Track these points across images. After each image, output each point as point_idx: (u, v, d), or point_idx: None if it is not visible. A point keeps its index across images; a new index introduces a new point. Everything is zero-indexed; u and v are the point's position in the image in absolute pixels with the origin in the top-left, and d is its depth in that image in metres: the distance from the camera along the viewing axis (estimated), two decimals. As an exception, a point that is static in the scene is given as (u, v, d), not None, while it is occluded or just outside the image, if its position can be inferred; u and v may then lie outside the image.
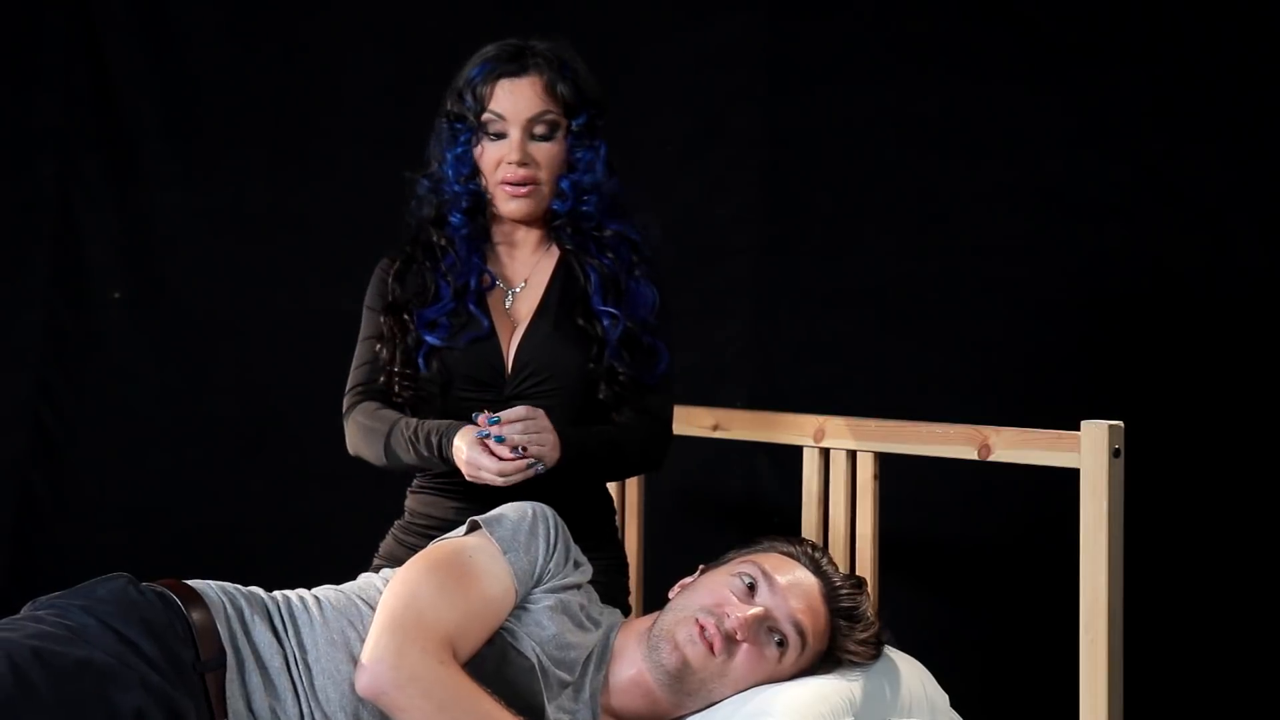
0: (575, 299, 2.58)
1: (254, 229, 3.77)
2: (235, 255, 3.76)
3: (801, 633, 2.25)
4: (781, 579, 2.27)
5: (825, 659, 2.31)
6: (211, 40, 3.79)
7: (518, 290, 2.61)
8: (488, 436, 2.34)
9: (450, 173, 2.58)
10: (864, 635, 2.33)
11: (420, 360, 2.55)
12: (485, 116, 2.54)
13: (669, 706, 2.27)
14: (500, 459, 2.34)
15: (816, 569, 2.32)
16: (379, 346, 2.59)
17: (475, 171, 2.57)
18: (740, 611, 2.23)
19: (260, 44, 3.78)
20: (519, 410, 2.37)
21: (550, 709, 2.20)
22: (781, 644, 2.24)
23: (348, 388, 2.63)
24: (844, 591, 2.33)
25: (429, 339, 2.54)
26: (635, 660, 2.26)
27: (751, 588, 2.27)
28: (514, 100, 2.54)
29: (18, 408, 3.77)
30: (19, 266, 3.78)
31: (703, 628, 2.22)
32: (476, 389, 2.53)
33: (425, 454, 2.45)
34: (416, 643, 2.09)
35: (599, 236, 2.59)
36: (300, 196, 3.74)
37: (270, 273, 3.75)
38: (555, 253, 2.63)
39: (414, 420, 2.49)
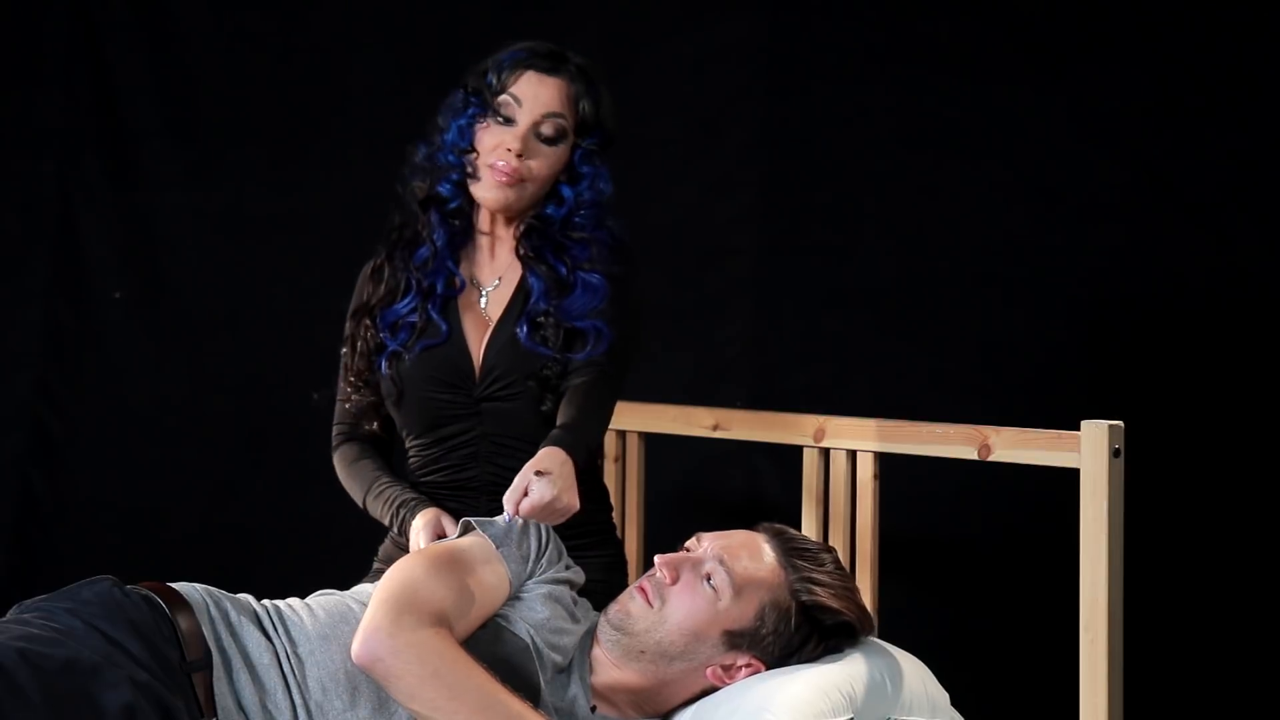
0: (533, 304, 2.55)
1: (254, 229, 3.76)
2: (235, 255, 3.76)
3: (724, 564, 2.27)
4: (715, 533, 2.34)
5: (808, 619, 2.29)
6: (211, 40, 3.78)
7: (490, 289, 2.58)
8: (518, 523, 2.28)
9: (448, 140, 2.52)
10: (829, 571, 2.32)
11: (382, 363, 2.54)
12: (501, 99, 2.50)
13: (638, 680, 2.28)
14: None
15: (766, 528, 2.37)
16: (349, 384, 2.60)
17: (471, 148, 2.52)
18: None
19: (260, 44, 3.78)
20: (538, 501, 2.26)
21: (545, 689, 2.22)
22: (709, 579, 2.26)
23: (334, 420, 2.66)
24: (793, 534, 2.36)
25: (390, 344, 2.53)
26: (600, 638, 2.31)
27: (688, 550, 2.34)
28: (535, 92, 2.49)
29: (18, 408, 3.76)
30: (19, 266, 3.78)
31: (642, 586, 2.30)
32: (447, 390, 2.52)
33: (390, 528, 2.53)
34: (413, 613, 2.12)
35: (561, 242, 2.54)
36: (300, 196, 3.74)
37: (270, 273, 3.75)
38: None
39: (382, 485, 2.53)
